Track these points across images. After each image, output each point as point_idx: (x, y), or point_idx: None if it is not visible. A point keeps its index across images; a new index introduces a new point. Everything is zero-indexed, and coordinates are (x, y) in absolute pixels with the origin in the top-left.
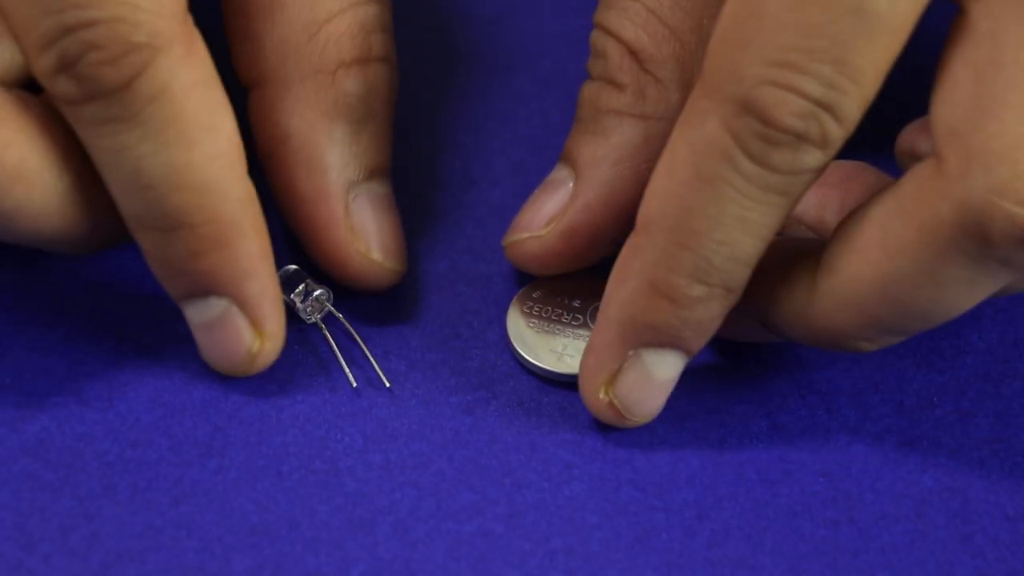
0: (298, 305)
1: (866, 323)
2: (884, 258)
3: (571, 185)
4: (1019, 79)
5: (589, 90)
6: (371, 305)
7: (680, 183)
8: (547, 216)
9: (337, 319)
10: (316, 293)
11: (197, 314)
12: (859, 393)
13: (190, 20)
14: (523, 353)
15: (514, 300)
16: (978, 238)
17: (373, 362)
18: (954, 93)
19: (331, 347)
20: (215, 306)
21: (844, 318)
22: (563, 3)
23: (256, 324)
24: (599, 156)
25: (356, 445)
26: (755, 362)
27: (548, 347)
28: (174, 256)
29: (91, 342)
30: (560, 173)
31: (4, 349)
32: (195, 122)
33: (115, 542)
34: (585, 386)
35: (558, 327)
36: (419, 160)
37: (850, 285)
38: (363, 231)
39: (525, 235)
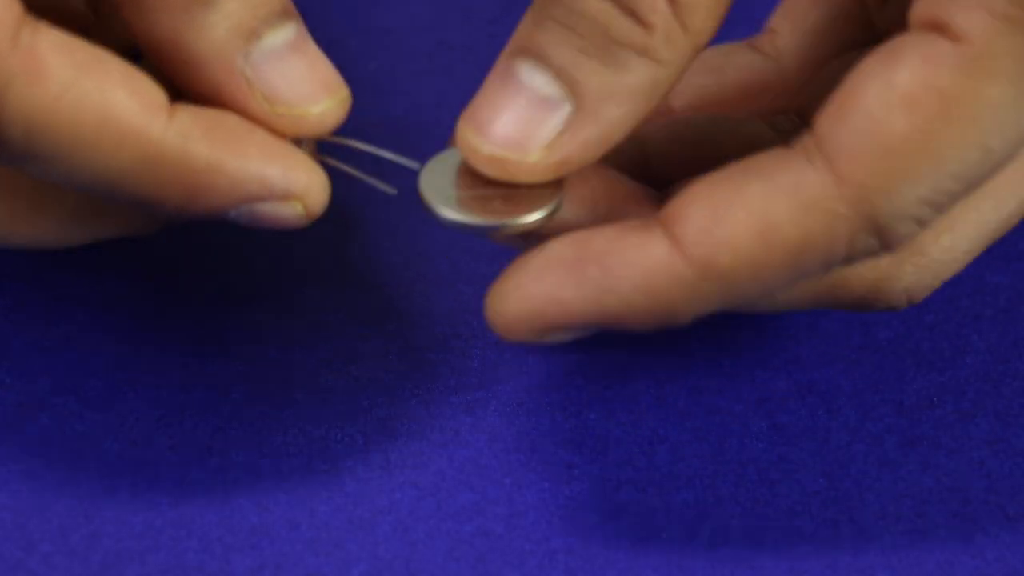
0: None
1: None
2: (763, 244)
3: (568, 110)
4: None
5: (596, 6)
6: (371, 305)
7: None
8: (541, 140)
9: (336, 143)
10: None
11: (236, 221)
12: (859, 393)
13: (25, 32)
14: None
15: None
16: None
17: (374, 181)
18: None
19: (349, 170)
20: (240, 214)
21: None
22: None
23: (285, 198)
24: (609, 93)
25: (356, 445)
26: (755, 362)
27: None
28: (173, 214)
29: (91, 342)
30: (550, 88)
31: (4, 349)
32: (80, 124)
33: (115, 542)
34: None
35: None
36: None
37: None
38: (276, 92)
39: (511, 155)
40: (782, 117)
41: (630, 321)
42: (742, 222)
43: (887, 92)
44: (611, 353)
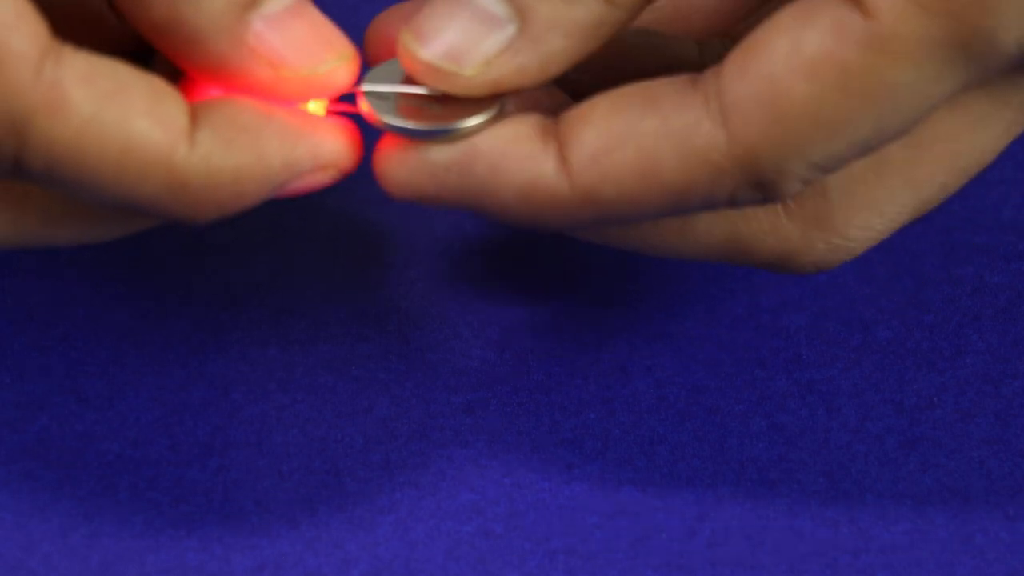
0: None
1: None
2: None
3: (512, 31)
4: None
5: None
6: (371, 305)
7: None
8: (480, 56)
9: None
10: None
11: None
12: (859, 393)
13: (48, 63)
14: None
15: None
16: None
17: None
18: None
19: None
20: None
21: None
22: None
23: (318, 169)
24: (556, 22)
25: (356, 445)
26: (755, 362)
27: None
28: None
29: (91, 342)
30: (497, 6)
31: (4, 349)
32: (103, 156)
33: (115, 542)
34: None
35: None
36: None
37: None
38: (281, 56)
39: (448, 66)
40: (715, 40)
41: (502, 219)
42: (629, 160)
43: (792, 56)
44: (611, 353)
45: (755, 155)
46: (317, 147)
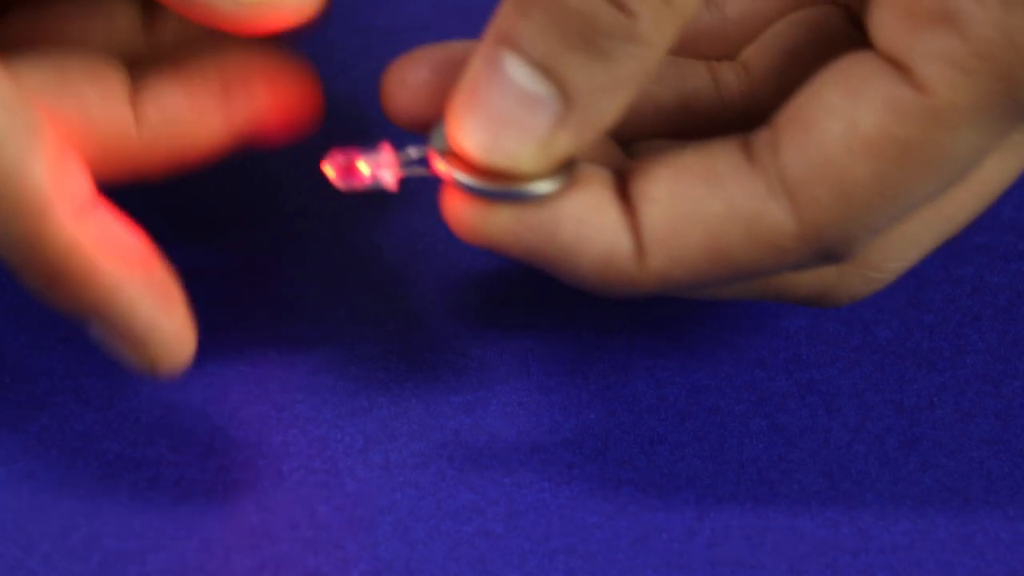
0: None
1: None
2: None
3: (558, 107)
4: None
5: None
6: (371, 305)
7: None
8: (533, 144)
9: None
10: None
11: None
12: (859, 393)
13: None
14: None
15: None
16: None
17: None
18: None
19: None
20: (94, 330)
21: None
22: None
23: (136, 346)
24: (599, 84)
25: (356, 445)
26: (755, 362)
27: None
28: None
29: (91, 342)
30: (538, 86)
31: (4, 349)
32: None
33: (115, 542)
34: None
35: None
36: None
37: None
38: None
39: (506, 162)
40: (723, 65)
41: (566, 279)
42: (698, 243)
43: (850, 136)
44: (611, 353)
45: (822, 233)
46: (150, 323)
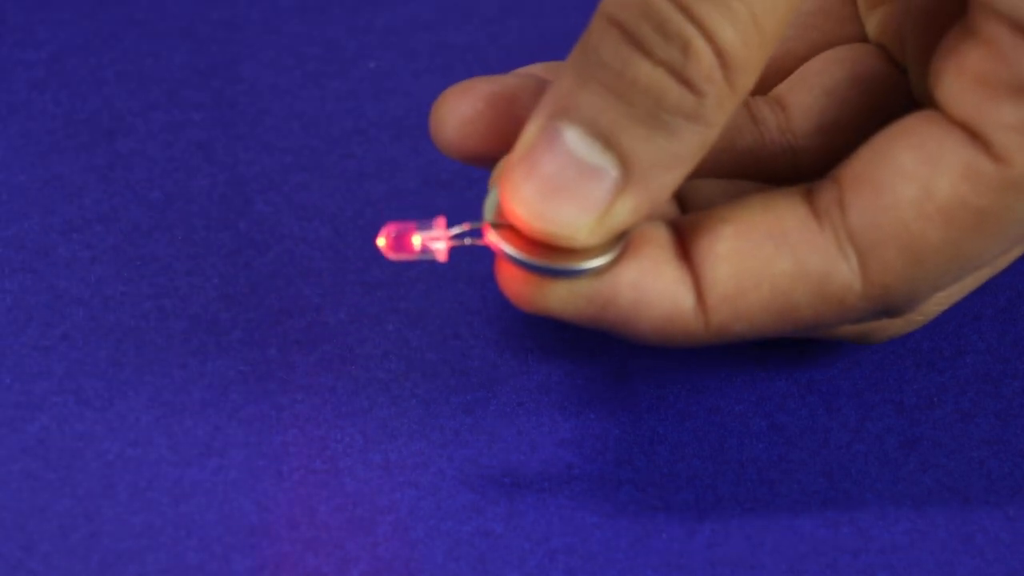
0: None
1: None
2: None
3: (616, 178)
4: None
5: (648, 73)
6: (371, 305)
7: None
8: (590, 215)
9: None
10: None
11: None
12: (859, 393)
13: None
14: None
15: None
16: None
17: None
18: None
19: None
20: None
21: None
22: (564, 3)
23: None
24: (659, 160)
25: (356, 445)
26: (755, 362)
27: None
28: None
29: (91, 342)
30: (598, 157)
31: (4, 349)
32: None
33: (115, 542)
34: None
35: None
36: (419, 159)
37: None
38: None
39: (562, 232)
40: (758, 99)
41: (628, 338)
42: (764, 301)
43: (925, 202)
44: (611, 353)
45: (888, 293)
46: None
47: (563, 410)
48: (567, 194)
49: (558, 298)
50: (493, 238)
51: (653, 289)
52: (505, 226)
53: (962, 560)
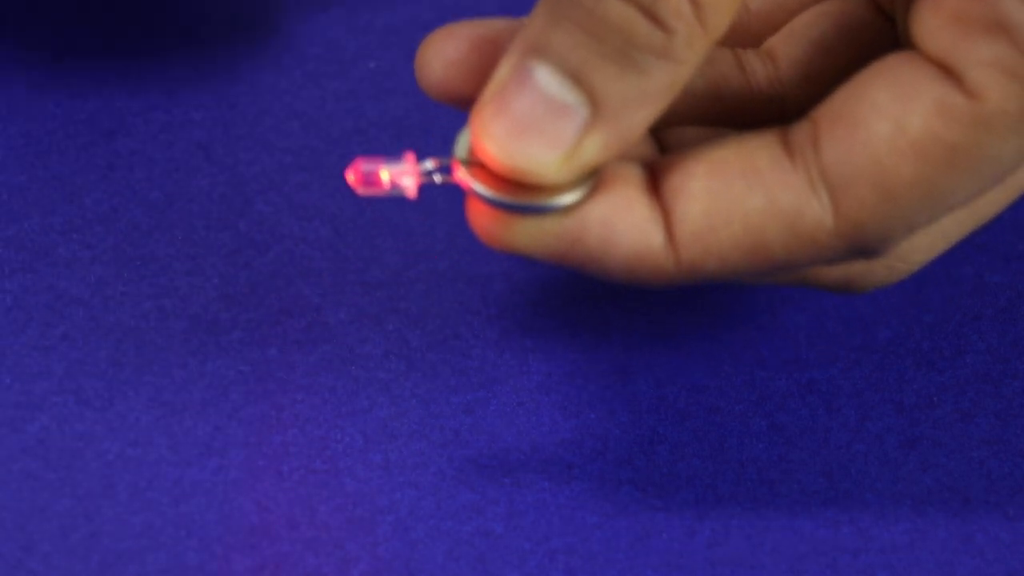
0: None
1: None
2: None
3: (586, 116)
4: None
5: (618, 11)
6: (371, 305)
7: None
8: (559, 151)
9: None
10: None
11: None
12: (859, 393)
13: None
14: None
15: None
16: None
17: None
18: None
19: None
20: None
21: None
22: None
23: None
24: (629, 98)
25: (356, 445)
26: (755, 362)
27: None
28: None
29: (91, 342)
30: (568, 94)
31: (4, 349)
32: None
33: (115, 542)
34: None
35: None
36: (419, 159)
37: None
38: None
39: (530, 167)
40: (750, 53)
41: (599, 275)
42: (735, 238)
43: (898, 137)
44: (611, 353)
45: (862, 232)
46: None
47: (563, 410)
48: (536, 131)
49: (526, 235)
50: (462, 175)
51: (622, 226)
52: (475, 164)
53: (962, 560)
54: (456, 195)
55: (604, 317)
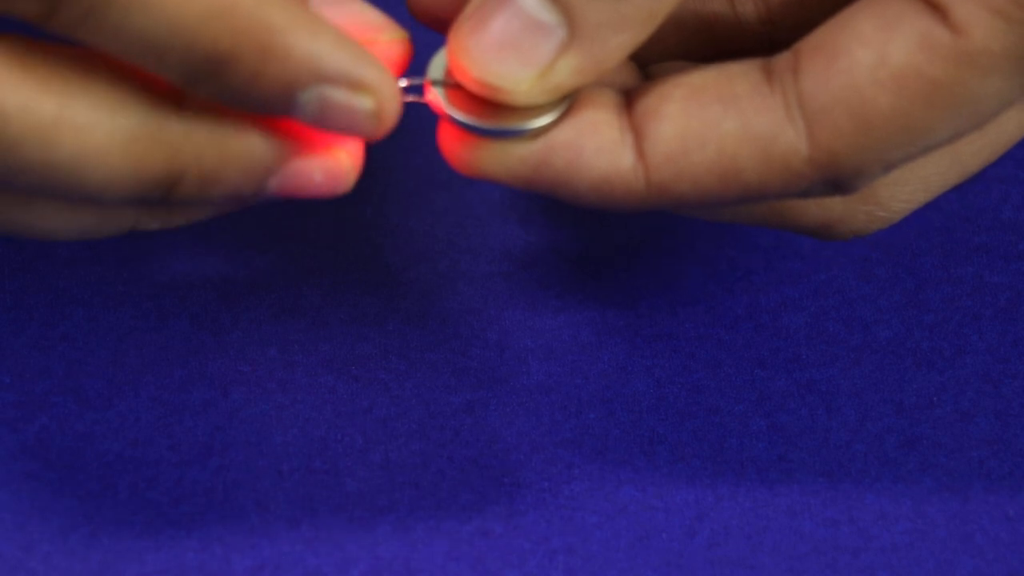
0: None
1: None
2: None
3: (563, 36)
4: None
5: None
6: (371, 305)
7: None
8: (534, 69)
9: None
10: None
11: (304, 115)
12: (859, 393)
13: None
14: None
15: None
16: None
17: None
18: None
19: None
20: (310, 100)
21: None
22: None
23: (357, 87)
24: (608, 19)
25: (356, 445)
26: (755, 362)
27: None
28: (241, 93)
29: (91, 342)
30: (545, 13)
31: (4, 349)
32: None
33: (115, 542)
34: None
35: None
36: (419, 159)
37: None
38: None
39: (503, 84)
40: None
41: (571, 202)
42: (708, 161)
43: (878, 68)
44: (611, 353)
45: (836, 161)
46: (363, 62)
47: (563, 410)
48: (512, 48)
49: (493, 159)
50: (433, 96)
51: (589, 148)
52: (448, 85)
53: (962, 560)
54: (456, 195)
55: (604, 317)
